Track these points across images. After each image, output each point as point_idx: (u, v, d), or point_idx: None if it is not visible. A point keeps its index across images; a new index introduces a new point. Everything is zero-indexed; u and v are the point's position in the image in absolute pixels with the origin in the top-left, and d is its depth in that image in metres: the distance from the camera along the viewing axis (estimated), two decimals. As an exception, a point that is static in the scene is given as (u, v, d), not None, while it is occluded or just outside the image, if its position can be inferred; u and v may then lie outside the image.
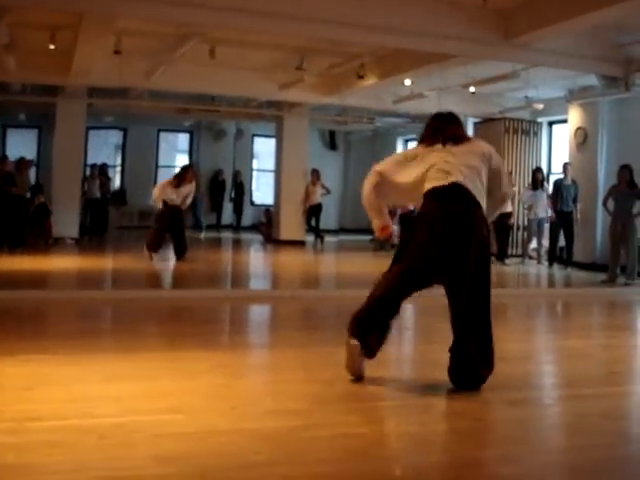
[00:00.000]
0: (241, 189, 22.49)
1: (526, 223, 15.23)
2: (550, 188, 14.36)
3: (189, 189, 12.68)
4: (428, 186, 4.74)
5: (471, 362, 4.73)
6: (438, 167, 4.75)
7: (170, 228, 12.47)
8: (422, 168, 4.82)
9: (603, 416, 4.39)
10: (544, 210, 14.31)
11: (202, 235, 19.09)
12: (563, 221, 13.67)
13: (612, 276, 11.65)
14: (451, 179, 4.69)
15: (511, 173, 15.65)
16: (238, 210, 22.49)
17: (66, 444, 3.50)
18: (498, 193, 5.02)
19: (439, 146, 4.87)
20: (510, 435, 3.97)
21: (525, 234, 15.41)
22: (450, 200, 4.67)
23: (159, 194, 12.48)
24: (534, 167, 15.41)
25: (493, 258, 14.65)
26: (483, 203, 4.78)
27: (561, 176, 14.03)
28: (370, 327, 4.70)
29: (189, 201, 12.87)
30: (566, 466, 3.66)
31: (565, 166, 13.94)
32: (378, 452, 3.66)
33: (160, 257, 12.52)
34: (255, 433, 3.81)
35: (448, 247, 4.64)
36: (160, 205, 12.53)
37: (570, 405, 4.77)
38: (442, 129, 4.98)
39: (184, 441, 3.62)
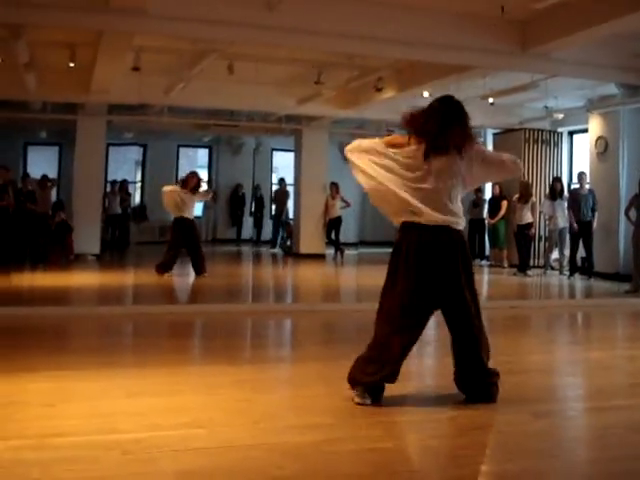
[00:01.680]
0: (261, 203, 22.52)
1: (547, 234, 15.17)
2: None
3: (202, 197, 12.62)
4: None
5: (484, 374, 4.71)
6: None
7: (185, 243, 12.35)
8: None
9: (627, 428, 4.34)
10: (564, 220, 14.24)
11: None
12: (581, 231, 13.58)
13: (636, 286, 11.54)
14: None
15: (531, 184, 15.59)
16: (258, 224, 22.51)
17: (89, 460, 3.51)
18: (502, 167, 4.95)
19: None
20: (533, 448, 3.93)
21: (546, 244, 15.34)
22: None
23: (169, 199, 12.34)
24: (553, 177, 15.35)
25: (515, 269, 14.61)
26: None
27: (577, 186, 13.95)
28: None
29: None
30: (590, 479, 3.62)
31: (580, 175, 13.88)
32: (401, 466, 3.64)
33: (179, 272, 12.52)
34: (277, 448, 3.79)
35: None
36: (175, 212, 12.32)
37: (594, 417, 4.73)
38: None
39: (206, 456, 3.62)
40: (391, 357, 4.61)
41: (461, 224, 4.73)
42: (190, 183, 12.37)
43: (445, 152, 4.65)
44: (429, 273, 4.60)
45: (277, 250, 19.96)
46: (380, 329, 4.69)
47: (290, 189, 20.18)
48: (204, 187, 12.85)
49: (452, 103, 4.92)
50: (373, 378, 4.60)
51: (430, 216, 4.60)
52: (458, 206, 4.72)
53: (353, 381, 4.68)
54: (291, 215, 20.48)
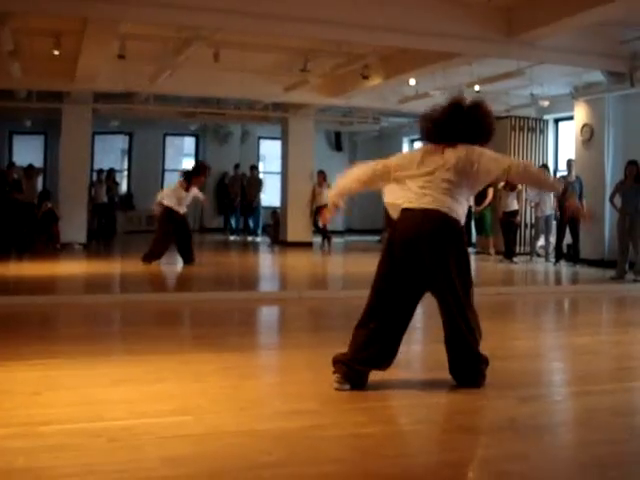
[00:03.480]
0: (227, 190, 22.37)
1: (533, 221, 15.23)
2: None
3: (196, 192, 12.65)
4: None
5: (471, 360, 4.74)
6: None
7: (175, 233, 12.34)
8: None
9: (612, 412, 4.38)
10: (550, 207, 14.30)
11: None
12: (569, 218, 13.60)
13: (620, 272, 11.61)
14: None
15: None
16: (245, 213, 22.48)
17: (75, 447, 3.51)
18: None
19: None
20: (519, 433, 3.96)
21: (532, 232, 15.40)
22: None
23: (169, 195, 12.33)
24: (540, 164, 15.39)
25: (501, 256, 14.67)
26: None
27: (565, 173, 13.98)
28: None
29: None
30: (575, 462, 3.66)
31: (569, 163, 13.91)
32: (387, 451, 3.66)
33: (166, 261, 12.50)
34: (264, 434, 3.81)
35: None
36: (174, 206, 12.25)
37: (579, 401, 4.76)
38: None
39: (193, 443, 3.63)
40: (361, 341, 4.67)
41: (456, 212, 4.71)
42: (200, 181, 12.54)
43: (454, 145, 4.72)
44: (411, 257, 4.63)
45: (260, 239, 19.94)
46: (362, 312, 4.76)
47: (277, 177, 20.14)
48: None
49: (471, 103, 4.91)
50: (344, 358, 4.67)
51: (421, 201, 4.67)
52: (458, 200, 4.72)
53: (333, 363, 4.74)
54: (263, 203, 20.51)
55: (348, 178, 5.11)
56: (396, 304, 4.69)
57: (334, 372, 4.69)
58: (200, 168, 12.97)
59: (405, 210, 4.75)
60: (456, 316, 4.70)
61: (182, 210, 12.35)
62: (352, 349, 4.69)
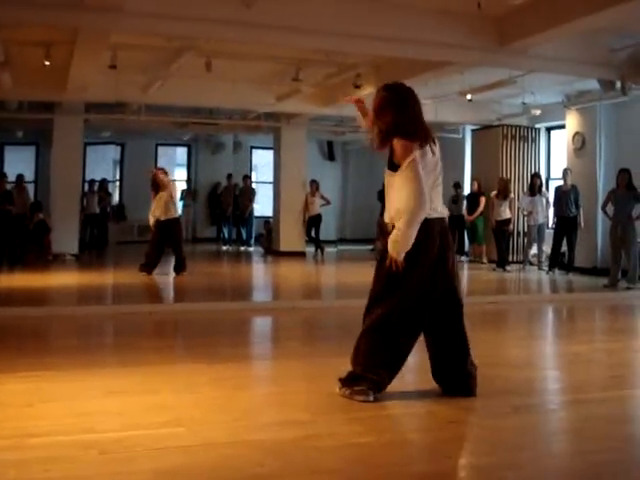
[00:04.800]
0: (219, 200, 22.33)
1: (526, 229, 15.25)
2: (550, 195, 14.36)
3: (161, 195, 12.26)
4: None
5: (466, 367, 4.74)
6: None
7: (171, 242, 12.32)
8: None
9: (607, 420, 4.37)
10: (543, 216, 14.32)
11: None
12: (565, 227, 13.60)
13: (613, 280, 11.62)
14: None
15: (509, 180, 15.68)
16: (237, 223, 22.46)
17: (67, 460, 3.48)
18: None
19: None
20: (513, 441, 3.94)
21: (525, 240, 15.42)
22: None
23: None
24: (532, 174, 15.43)
25: (494, 265, 14.68)
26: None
27: (561, 182, 13.99)
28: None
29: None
30: (570, 471, 3.64)
31: (565, 172, 13.89)
32: (382, 461, 3.64)
33: (159, 271, 12.46)
34: (258, 445, 3.78)
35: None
36: (165, 214, 12.14)
37: (574, 410, 4.75)
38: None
39: (185, 454, 3.60)
40: (394, 355, 4.69)
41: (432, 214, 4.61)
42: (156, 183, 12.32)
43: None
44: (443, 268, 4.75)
45: (253, 248, 19.90)
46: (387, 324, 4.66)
47: (269, 187, 20.13)
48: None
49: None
50: (371, 370, 4.62)
51: None
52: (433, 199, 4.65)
53: (354, 378, 4.65)
54: (256, 213, 20.47)
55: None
56: (426, 318, 4.69)
57: (356, 385, 4.61)
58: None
59: (438, 220, 4.65)
60: (461, 321, 4.72)
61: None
62: (383, 360, 4.59)
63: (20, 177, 16.54)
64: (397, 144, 4.52)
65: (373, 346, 4.61)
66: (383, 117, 4.63)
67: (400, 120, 4.55)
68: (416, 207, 4.40)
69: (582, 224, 13.51)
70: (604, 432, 4.16)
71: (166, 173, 12.77)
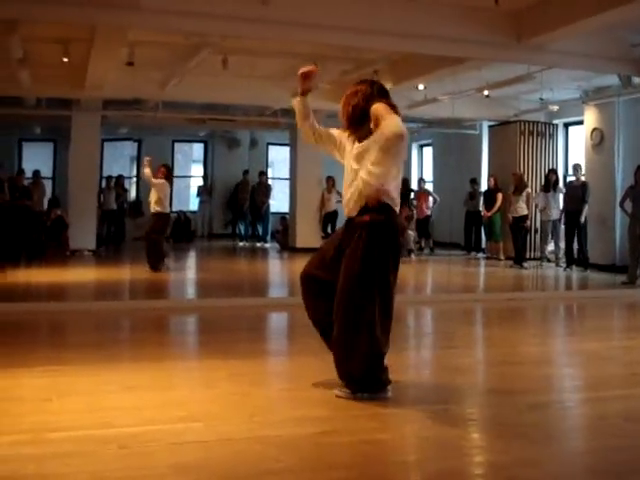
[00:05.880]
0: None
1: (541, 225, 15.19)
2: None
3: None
4: None
5: None
6: None
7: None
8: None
9: (624, 418, 4.35)
10: (558, 212, 14.26)
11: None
12: (572, 222, 13.55)
13: (632, 277, 11.55)
14: None
15: (527, 176, 15.62)
16: (254, 219, 22.44)
17: (85, 454, 3.50)
18: None
19: None
20: (530, 439, 3.93)
21: (541, 236, 15.35)
22: None
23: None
24: (548, 169, 15.37)
25: (511, 262, 14.64)
26: None
27: (573, 178, 13.93)
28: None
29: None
30: (587, 468, 3.62)
31: (575, 167, 13.85)
32: (398, 458, 3.64)
33: (175, 267, 12.49)
34: (274, 440, 3.79)
35: None
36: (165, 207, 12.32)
37: (591, 407, 4.73)
38: None
39: (203, 449, 3.61)
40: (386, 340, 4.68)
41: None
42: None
43: None
44: None
45: (269, 245, 19.91)
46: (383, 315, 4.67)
47: (285, 183, 20.13)
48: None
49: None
50: (384, 365, 4.66)
51: None
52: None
53: (379, 378, 4.63)
54: (272, 209, 20.48)
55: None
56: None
57: (382, 384, 4.62)
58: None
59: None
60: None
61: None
62: (384, 350, 4.62)
63: (36, 173, 16.63)
64: (379, 106, 4.55)
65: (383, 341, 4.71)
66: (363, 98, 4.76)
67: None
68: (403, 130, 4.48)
69: (583, 219, 13.46)
70: (622, 430, 4.13)
71: (166, 171, 12.82)
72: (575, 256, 13.84)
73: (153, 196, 12.36)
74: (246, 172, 21.06)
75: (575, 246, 13.79)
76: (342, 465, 3.50)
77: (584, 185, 13.55)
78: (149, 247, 12.34)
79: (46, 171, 19.15)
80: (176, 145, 23.11)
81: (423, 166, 21.78)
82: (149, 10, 8.83)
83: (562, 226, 14.24)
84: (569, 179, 14.29)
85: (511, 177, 15.19)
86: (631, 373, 5.77)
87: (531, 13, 9.82)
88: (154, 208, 12.31)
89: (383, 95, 4.73)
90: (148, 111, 16.54)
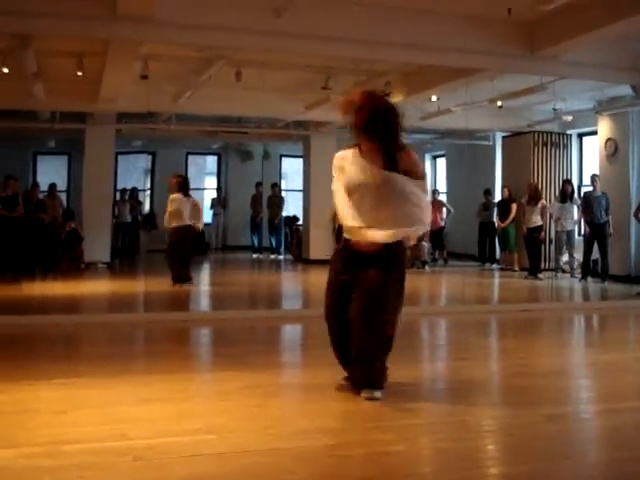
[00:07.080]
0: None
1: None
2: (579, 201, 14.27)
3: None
4: None
5: None
6: None
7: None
8: None
9: (639, 429, 4.32)
10: (572, 222, 14.19)
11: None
12: (595, 233, 13.46)
13: (647, 288, 11.48)
14: None
15: (541, 187, 15.56)
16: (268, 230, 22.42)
17: (100, 466, 3.50)
18: None
19: None
20: (545, 450, 3.90)
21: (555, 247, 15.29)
22: None
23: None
24: (563, 180, 15.32)
25: (526, 273, 14.58)
26: None
27: (590, 188, 13.88)
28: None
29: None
30: (602, 479, 3.60)
31: (593, 178, 13.80)
32: (413, 470, 3.62)
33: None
34: (289, 452, 3.78)
35: None
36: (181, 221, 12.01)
37: (607, 419, 4.69)
38: None
39: (217, 461, 3.61)
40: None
41: None
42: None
43: None
44: None
45: (283, 257, 19.90)
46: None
47: (299, 195, 20.12)
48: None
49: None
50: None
51: None
52: None
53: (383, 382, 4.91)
54: (300, 221, 20.45)
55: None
56: None
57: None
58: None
59: None
60: None
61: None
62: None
63: (52, 186, 16.71)
64: (412, 153, 5.13)
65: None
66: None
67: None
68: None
69: (611, 231, 13.36)
70: (638, 442, 4.10)
71: (181, 181, 12.68)
72: (592, 267, 13.72)
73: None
74: (259, 184, 21.08)
75: (594, 257, 13.66)
76: (357, 477, 3.49)
77: (606, 196, 13.46)
78: (172, 261, 12.15)
79: (61, 184, 19.20)
80: (190, 157, 23.18)
81: (437, 177, 21.78)
82: (163, 24, 8.88)
83: (578, 237, 14.16)
84: (585, 190, 14.20)
85: (525, 188, 15.15)
86: (648, 384, 5.73)
87: (544, 24, 9.81)
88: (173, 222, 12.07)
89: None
90: (162, 124, 16.61)
